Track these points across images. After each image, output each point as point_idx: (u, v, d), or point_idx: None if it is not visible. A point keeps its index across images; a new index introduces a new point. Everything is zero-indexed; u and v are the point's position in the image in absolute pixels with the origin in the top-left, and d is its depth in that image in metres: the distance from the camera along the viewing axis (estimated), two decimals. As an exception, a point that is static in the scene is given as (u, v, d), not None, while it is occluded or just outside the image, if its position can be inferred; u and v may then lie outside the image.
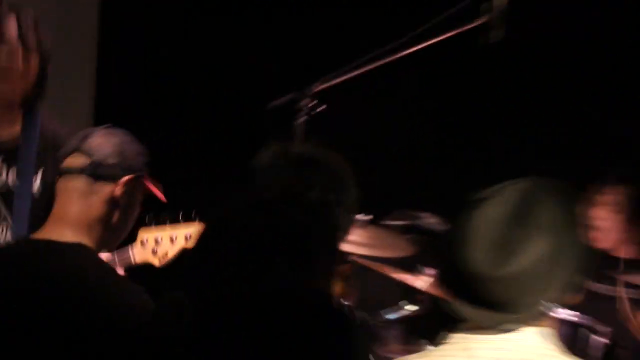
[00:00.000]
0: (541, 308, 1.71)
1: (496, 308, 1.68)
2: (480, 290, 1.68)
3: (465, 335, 1.74)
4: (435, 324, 3.04)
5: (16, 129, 2.35)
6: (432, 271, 3.00)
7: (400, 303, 3.22)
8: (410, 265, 3.08)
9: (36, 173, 2.36)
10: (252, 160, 1.92)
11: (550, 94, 3.99)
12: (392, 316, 3.18)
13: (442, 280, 1.83)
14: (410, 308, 3.20)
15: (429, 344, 3.01)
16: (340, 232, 1.87)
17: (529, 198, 1.71)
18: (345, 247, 2.70)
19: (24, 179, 2.37)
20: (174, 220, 2.34)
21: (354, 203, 2.00)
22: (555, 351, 1.71)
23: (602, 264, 3.10)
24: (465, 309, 1.71)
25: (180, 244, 2.39)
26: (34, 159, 2.35)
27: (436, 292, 2.26)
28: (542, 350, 1.70)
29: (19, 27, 2.31)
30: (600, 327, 2.91)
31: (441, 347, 1.78)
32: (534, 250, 1.66)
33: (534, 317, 1.68)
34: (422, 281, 3.06)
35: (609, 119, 3.85)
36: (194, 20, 4.44)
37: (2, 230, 2.42)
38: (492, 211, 1.70)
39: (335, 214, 1.95)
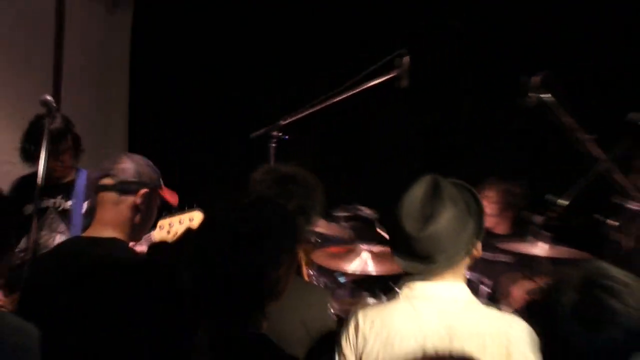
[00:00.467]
0: (447, 267, 2.09)
1: (422, 260, 2.09)
2: (410, 247, 2.09)
3: (411, 289, 2.16)
4: (373, 283, 3.85)
5: (72, 176, 3.69)
6: (368, 246, 3.73)
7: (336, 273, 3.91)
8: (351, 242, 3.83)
9: (84, 201, 3.52)
10: (242, 174, 2.48)
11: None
12: (342, 279, 3.86)
13: (390, 242, 2.22)
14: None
15: (371, 297, 3.64)
16: (303, 231, 2.36)
17: (439, 183, 2.12)
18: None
19: (78, 204, 3.56)
20: (182, 210, 2.84)
21: (321, 209, 2.50)
22: (477, 302, 2.15)
23: (485, 238, 4.02)
24: (402, 262, 2.13)
25: (186, 224, 2.85)
26: (83, 193, 3.56)
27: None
28: (465, 302, 2.13)
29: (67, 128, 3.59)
30: (485, 281, 3.70)
31: (392, 301, 2.23)
32: (444, 218, 2.07)
33: (449, 267, 2.09)
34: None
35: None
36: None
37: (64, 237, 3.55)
38: (415, 192, 2.11)
39: (308, 218, 2.48)
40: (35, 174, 3.18)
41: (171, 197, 2.88)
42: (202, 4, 5.13)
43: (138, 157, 2.69)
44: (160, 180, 2.65)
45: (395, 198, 2.11)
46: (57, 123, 3.41)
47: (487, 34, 4.92)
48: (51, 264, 2.49)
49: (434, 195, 2.10)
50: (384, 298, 3.32)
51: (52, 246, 3.46)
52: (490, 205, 4.24)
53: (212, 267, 1.72)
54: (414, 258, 2.10)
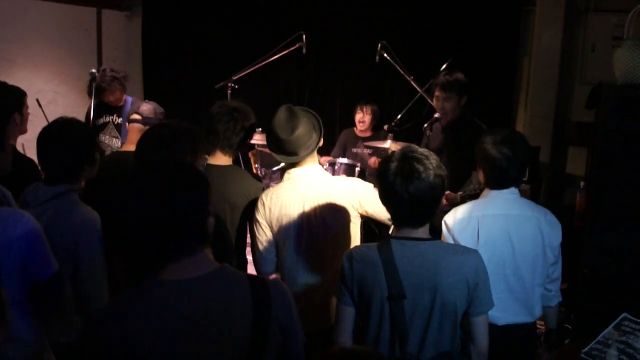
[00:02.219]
0: (307, 154, 2.69)
1: (290, 154, 2.70)
2: (282, 146, 2.69)
3: (289, 175, 2.77)
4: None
5: (122, 102, 4.78)
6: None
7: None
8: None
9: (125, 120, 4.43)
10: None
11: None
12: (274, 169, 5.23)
13: (268, 145, 2.79)
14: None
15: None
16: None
17: (293, 109, 2.73)
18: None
19: (124, 120, 4.58)
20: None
21: (253, 129, 3.07)
22: (329, 174, 2.81)
23: (357, 138, 5.68)
24: (277, 156, 2.73)
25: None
26: (126, 115, 4.43)
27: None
28: (322, 176, 2.75)
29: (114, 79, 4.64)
30: (357, 164, 5.19)
31: (280, 183, 2.82)
32: (301, 128, 2.67)
33: (307, 157, 2.71)
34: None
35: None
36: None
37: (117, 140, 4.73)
38: (280, 113, 2.71)
39: (249, 134, 3.03)
40: (100, 102, 4.60)
41: None
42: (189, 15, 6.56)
43: (154, 103, 3.79)
44: (164, 115, 3.74)
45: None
46: (107, 78, 4.58)
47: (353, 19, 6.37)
48: (107, 164, 3.32)
49: (292, 115, 2.70)
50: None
51: (109, 144, 4.77)
52: (366, 116, 5.70)
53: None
54: (285, 153, 2.71)
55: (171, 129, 2.57)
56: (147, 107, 3.69)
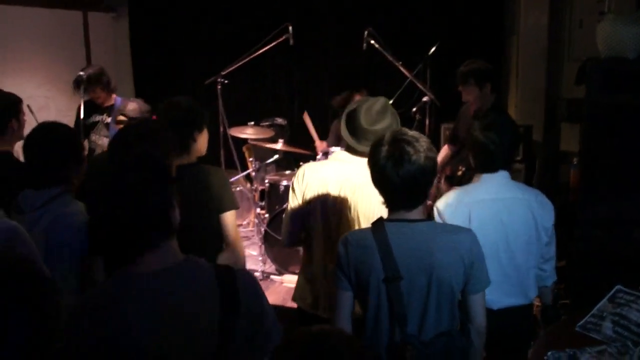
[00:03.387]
0: None
1: (364, 143, 2.63)
2: (365, 135, 2.64)
3: (339, 155, 2.75)
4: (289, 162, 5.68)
5: (111, 101, 4.84)
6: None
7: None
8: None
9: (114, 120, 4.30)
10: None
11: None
12: (269, 161, 5.38)
13: (348, 128, 2.70)
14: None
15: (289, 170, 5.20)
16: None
17: (387, 104, 2.69)
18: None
19: (113, 119, 4.42)
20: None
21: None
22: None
23: None
24: (352, 140, 2.68)
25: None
26: (115, 114, 4.34)
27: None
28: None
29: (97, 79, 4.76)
30: None
31: (325, 161, 2.85)
32: (386, 122, 2.64)
33: None
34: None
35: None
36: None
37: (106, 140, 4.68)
38: (371, 102, 2.67)
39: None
40: (90, 103, 4.72)
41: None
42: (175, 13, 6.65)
43: (139, 101, 3.87)
44: (151, 112, 3.73)
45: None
46: (92, 76, 4.69)
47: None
48: (97, 163, 3.37)
49: (384, 109, 2.68)
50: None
51: (99, 143, 4.83)
52: None
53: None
54: (361, 140, 2.67)
55: (139, 130, 2.59)
56: (132, 107, 3.75)
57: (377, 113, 2.64)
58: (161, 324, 1.65)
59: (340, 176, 2.70)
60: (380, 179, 2.19)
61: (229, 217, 2.93)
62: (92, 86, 4.77)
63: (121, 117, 3.73)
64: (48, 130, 2.67)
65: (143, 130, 2.59)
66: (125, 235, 1.70)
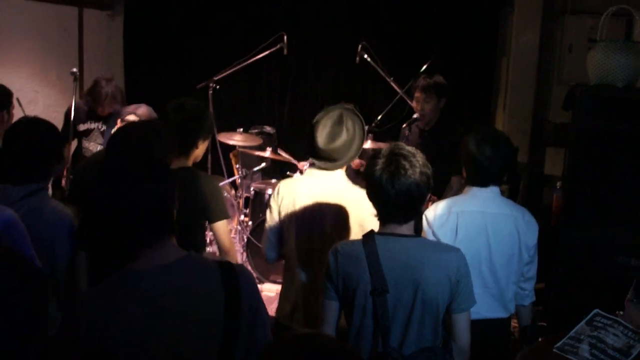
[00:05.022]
0: (339, 166, 2.70)
1: (327, 160, 2.69)
2: (321, 153, 2.67)
3: (312, 171, 2.77)
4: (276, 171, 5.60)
5: (110, 111, 4.61)
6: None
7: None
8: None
9: (113, 127, 4.02)
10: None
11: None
12: (256, 169, 5.35)
13: (308, 150, 2.74)
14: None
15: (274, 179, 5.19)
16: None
17: (343, 113, 2.67)
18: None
19: (109, 128, 4.54)
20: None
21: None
22: (349, 183, 2.76)
23: None
24: (316, 161, 2.71)
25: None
26: (114, 121, 4.26)
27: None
28: (341, 182, 2.74)
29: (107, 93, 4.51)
30: None
31: (299, 177, 3.05)
32: (343, 138, 2.64)
33: (343, 166, 2.72)
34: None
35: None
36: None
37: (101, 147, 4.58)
38: (327, 118, 2.65)
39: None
40: (85, 109, 4.60)
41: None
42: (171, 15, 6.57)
43: (150, 108, 3.90)
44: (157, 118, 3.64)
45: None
46: (104, 90, 4.51)
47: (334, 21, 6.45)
48: (90, 167, 3.24)
49: (339, 123, 2.66)
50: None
51: (92, 150, 4.67)
52: None
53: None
54: (323, 160, 2.71)
55: (139, 130, 2.59)
56: (143, 111, 3.72)
57: (332, 129, 2.64)
58: (164, 320, 1.64)
59: (312, 191, 2.72)
60: (375, 192, 2.21)
61: (220, 227, 2.94)
62: (110, 102, 4.62)
63: (131, 117, 3.63)
64: (29, 125, 2.65)
65: (142, 130, 2.59)
66: (125, 231, 1.69)
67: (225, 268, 1.77)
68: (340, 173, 2.77)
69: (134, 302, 1.65)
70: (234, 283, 1.72)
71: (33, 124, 2.66)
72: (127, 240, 1.71)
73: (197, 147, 2.95)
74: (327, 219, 2.71)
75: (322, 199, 2.72)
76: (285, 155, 5.42)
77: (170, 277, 1.69)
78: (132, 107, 4.05)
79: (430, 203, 3.89)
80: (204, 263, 1.79)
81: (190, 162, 2.96)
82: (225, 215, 2.96)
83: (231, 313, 1.69)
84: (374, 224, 2.32)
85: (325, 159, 2.69)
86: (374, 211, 2.31)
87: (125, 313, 1.63)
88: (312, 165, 2.80)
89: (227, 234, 2.99)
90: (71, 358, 1.64)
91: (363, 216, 2.63)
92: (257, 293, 1.86)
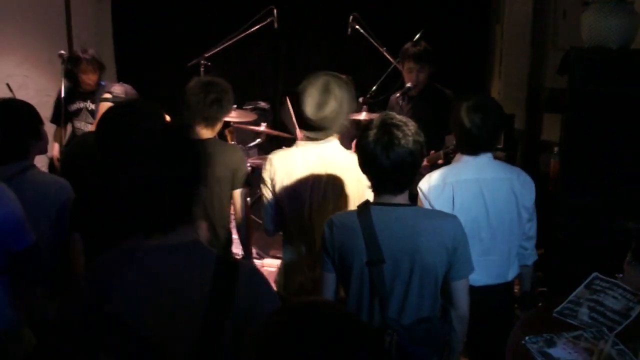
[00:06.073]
0: (328, 135, 2.64)
1: (317, 130, 2.65)
2: (311, 123, 2.62)
3: (305, 142, 2.71)
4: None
5: (96, 87, 4.63)
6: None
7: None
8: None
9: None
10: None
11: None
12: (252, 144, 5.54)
13: (298, 122, 2.71)
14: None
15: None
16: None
17: (329, 80, 2.62)
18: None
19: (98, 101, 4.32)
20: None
21: (231, 102, 3.22)
22: (345, 150, 2.73)
23: None
24: (306, 132, 2.67)
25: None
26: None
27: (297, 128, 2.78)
28: (335, 150, 2.70)
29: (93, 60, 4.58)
30: None
31: (292, 149, 2.76)
32: (331, 105, 2.58)
33: (333, 134, 2.67)
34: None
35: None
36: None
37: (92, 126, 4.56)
38: (312, 87, 2.61)
39: (223, 105, 3.13)
40: (72, 88, 4.63)
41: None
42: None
43: (127, 85, 3.99)
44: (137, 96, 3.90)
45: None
46: (86, 59, 4.56)
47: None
48: (78, 145, 3.62)
49: (325, 91, 2.60)
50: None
51: (84, 130, 4.68)
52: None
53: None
54: (313, 130, 2.68)
55: (131, 109, 2.53)
56: (118, 87, 3.79)
57: (320, 98, 2.61)
58: (150, 299, 1.65)
59: (306, 161, 2.69)
60: (369, 163, 2.19)
61: (240, 194, 3.25)
62: (90, 66, 4.64)
63: (106, 95, 3.71)
64: (3, 107, 2.71)
65: (133, 108, 2.54)
66: (148, 212, 1.67)
67: (224, 266, 1.71)
68: (334, 142, 2.73)
69: (129, 275, 1.66)
70: (227, 284, 1.66)
71: (6, 103, 2.73)
72: (140, 219, 1.69)
73: (220, 121, 3.23)
74: (325, 189, 2.68)
75: (317, 168, 2.68)
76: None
77: (163, 257, 1.69)
78: (109, 85, 4.16)
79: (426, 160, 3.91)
80: (202, 254, 1.74)
81: (215, 134, 3.20)
82: (245, 184, 3.22)
83: (212, 314, 1.63)
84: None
85: (315, 129, 2.66)
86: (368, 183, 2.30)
87: (126, 285, 1.65)
88: (305, 137, 2.76)
89: (246, 201, 3.26)
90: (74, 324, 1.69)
91: (362, 182, 2.57)
92: (261, 299, 1.74)
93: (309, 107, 2.61)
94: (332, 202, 2.67)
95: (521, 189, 2.73)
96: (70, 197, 2.64)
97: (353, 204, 2.64)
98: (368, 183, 2.27)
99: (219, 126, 3.25)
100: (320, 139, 2.68)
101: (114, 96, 3.68)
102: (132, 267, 1.66)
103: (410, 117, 4.01)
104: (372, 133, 2.16)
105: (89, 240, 2.51)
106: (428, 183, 2.74)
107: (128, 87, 3.89)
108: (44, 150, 2.82)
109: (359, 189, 2.65)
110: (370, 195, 2.32)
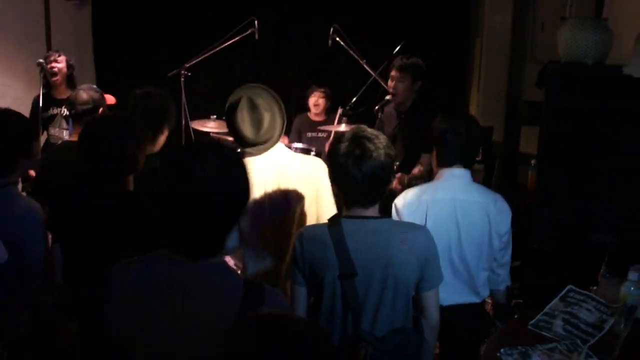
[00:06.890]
0: (273, 143, 2.65)
1: (261, 144, 2.64)
2: (248, 141, 2.63)
3: (249, 159, 2.61)
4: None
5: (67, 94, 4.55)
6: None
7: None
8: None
9: None
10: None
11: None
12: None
13: (236, 140, 2.66)
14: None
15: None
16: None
17: (254, 101, 2.61)
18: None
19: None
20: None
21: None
22: (293, 155, 2.77)
23: (311, 123, 5.72)
24: (250, 150, 2.63)
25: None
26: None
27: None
28: (285, 155, 2.71)
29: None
30: (312, 148, 4.88)
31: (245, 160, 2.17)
32: (265, 120, 2.61)
33: (271, 146, 2.66)
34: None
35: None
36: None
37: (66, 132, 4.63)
38: (239, 111, 2.61)
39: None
40: (47, 96, 4.63)
41: (110, 100, 3.96)
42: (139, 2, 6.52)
43: (86, 88, 3.58)
44: (103, 96, 3.61)
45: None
46: (58, 68, 4.73)
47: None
48: (55, 157, 3.37)
49: (252, 108, 2.62)
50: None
51: (59, 136, 4.72)
52: (320, 100, 5.72)
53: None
54: (255, 145, 2.66)
55: (114, 121, 2.52)
56: (81, 99, 3.51)
57: (252, 118, 2.59)
58: (171, 322, 1.60)
59: (262, 172, 2.65)
60: (340, 176, 2.18)
61: None
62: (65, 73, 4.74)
63: (82, 95, 3.53)
64: None
65: (115, 121, 2.52)
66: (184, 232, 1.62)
67: (252, 287, 1.67)
68: (280, 147, 2.71)
69: (154, 291, 1.62)
70: (257, 301, 1.60)
71: (1, 117, 2.57)
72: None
73: (162, 133, 3.02)
74: (284, 197, 2.65)
75: (273, 175, 2.65)
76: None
77: (197, 275, 1.64)
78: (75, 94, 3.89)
79: (397, 181, 3.92)
80: (231, 277, 1.72)
81: (157, 148, 3.00)
82: None
83: None
84: (329, 187, 2.36)
85: (259, 144, 2.64)
86: (326, 179, 2.30)
87: (142, 300, 1.61)
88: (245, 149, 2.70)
89: None
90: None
91: (318, 186, 2.64)
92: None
93: (247, 131, 2.60)
94: (288, 211, 2.64)
95: (497, 215, 2.73)
96: (38, 225, 2.49)
97: (309, 204, 2.64)
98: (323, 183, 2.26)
99: (160, 139, 3.09)
100: (262, 152, 2.66)
101: (82, 112, 3.47)
102: (153, 286, 1.62)
103: (393, 133, 4.20)
104: (343, 146, 2.15)
105: (70, 252, 2.48)
106: (404, 199, 2.75)
107: (88, 92, 3.60)
108: (32, 168, 2.71)
109: (313, 187, 2.66)
110: (329, 189, 2.35)
